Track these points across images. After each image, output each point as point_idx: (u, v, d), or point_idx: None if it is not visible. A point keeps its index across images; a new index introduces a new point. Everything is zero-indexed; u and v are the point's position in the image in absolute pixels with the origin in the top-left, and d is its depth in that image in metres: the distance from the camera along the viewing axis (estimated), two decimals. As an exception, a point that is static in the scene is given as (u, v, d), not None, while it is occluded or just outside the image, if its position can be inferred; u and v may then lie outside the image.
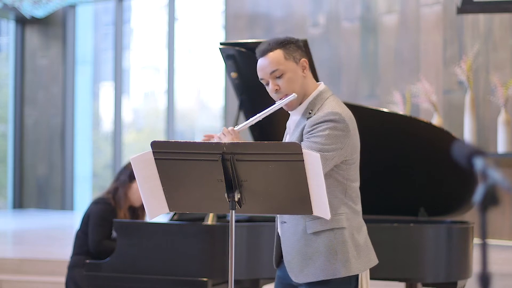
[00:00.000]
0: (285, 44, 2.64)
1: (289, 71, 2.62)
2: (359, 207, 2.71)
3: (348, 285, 2.63)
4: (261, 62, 2.64)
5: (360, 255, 2.64)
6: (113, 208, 4.40)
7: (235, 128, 2.71)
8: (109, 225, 4.34)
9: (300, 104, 2.66)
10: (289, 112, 2.73)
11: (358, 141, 2.67)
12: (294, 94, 2.61)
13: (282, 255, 2.72)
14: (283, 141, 2.79)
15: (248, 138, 4.24)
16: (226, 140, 2.67)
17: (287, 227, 2.67)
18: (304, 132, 2.60)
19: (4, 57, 11.91)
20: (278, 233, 2.77)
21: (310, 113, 2.62)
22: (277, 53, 2.63)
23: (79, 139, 11.11)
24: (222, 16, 10.09)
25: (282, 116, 2.87)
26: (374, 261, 2.72)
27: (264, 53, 2.64)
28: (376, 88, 8.33)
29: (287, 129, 2.81)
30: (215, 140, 2.71)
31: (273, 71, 2.62)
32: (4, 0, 10.08)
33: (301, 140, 2.61)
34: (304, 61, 2.66)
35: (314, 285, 2.62)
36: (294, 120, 2.70)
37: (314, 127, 2.57)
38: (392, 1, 8.29)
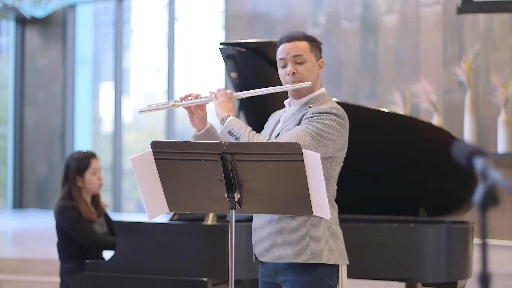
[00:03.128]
0: (311, 40, 2.78)
1: (310, 62, 2.74)
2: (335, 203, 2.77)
3: (331, 276, 2.67)
4: (287, 45, 2.74)
5: (337, 247, 2.68)
6: (77, 208, 4.29)
7: (234, 93, 2.78)
8: (86, 222, 4.27)
9: (304, 96, 2.75)
10: (286, 103, 2.81)
11: (347, 145, 2.75)
12: (309, 82, 2.71)
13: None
14: (270, 130, 2.83)
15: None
16: (219, 99, 2.74)
17: None
18: (304, 117, 2.68)
19: (5, 59, 11.91)
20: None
21: (310, 107, 2.72)
22: (304, 44, 2.75)
23: (79, 139, 11.10)
24: (222, 16, 10.09)
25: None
26: (346, 259, 2.74)
27: (292, 39, 2.74)
28: (376, 88, 8.33)
29: (272, 121, 2.86)
30: (207, 96, 2.78)
31: (297, 55, 2.72)
32: (4, 0, 10.07)
33: (298, 125, 2.68)
34: (321, 61, 2.80)
35: (300, 279, 2.64)
36: (291, 111, 2.77)
37: (316, 114, 2.65)
38: (392, 1, 8.29)
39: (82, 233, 4.23)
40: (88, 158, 4.36)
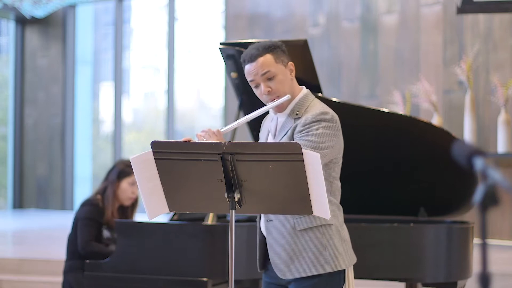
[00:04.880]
0: (273, 48, 2.69)
1: (280, 73, 2.67)
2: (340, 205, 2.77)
3: (337, 279, 2.67)
4: (252, 66, 2.67)
5: (346, 250, 2.70)
6: (100, 209, 4.36)
7: (221, 130, 2.74)
8: (97, 225, 4.33)
9: (287, 106, 2.71)
10: (271, 112, 2.78)
11: (343, 143, 2.73)
12: (288, 95, 2.67)
13: (268, 255, 2.75)
14: (262, 141, 2.83)
15: (248, 138, 4.24)
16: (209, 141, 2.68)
17: (274, 225, 2.70)
18: (296, 131, 2.65)
19: (5, 59, 11.91)
20: (261, 233, 2.79)
21: (297, 114, 2.68)
22: (268, 57, 2.67)
23: (79, 139, 11.10)
24: (222, 16, 10.09)
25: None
26: (355, 258, 2.76)
27: (254, 58, 2.67)
28: (376, 88, 8.33)
29: (264, 131, 2.85)
30: (197, 141, 2.72)
31: (265, 72, 2.65)
32: (4, 0, 10.07)
33: (291, 140, 2.66)
34: (291, 64, 2.73)
35: (303, 281, 2.65)
36: (280, 122, 2.74)
37: (307, 126, 2.62)
38: (392, 1, 8.29)
39: (83, 230, 4.29)
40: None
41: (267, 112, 2.83)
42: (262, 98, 2.71)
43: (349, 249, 2.71)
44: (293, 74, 2.73)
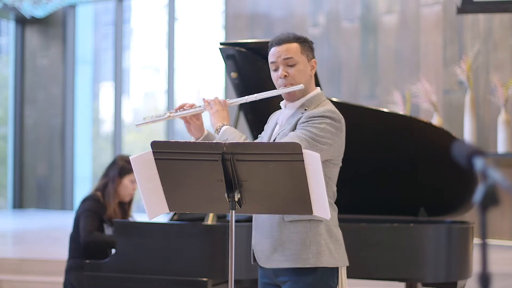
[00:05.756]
0: (302, 40, 2.75)
1: (302, 63, 2.72)
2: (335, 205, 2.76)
3: (332, 279, 2.66)
4: (277, 48, 2.72)
5: (337, 250, 2.67)
6: (102, 204, 4.36)
7: (227, 101, 2.79)
8: (99, 218, 4.33)
9: (298, 99, 2.73)
10: (281, 105, 2.80)
11: (344, 146, 2.73)
12: (302, 85, 2.70)
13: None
14: (269, 134, 2.83)
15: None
16: (213, 108, 2.76)
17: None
18: (299, 122, 2.67)
19: (5, 59, 11.90)
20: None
21: (306, 109, 2.70)
22: (295, 45, 2.72)
23: (79, 139, 11.11)
24: (222, 16, 10.09)
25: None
26: (346, 261, 2.73)
27: (282, 42, 2.72)
28: (376, 88, 8.33)
29: (271, 123, 2.86)
30: (202, 106, 2.79)
31: (288, 58, 2.70)
32: (4, 0, 10.07)
33: (295, 130, 2.66)
34: (314, 61, 2.78)
35: (298, 280, 2.64)
36: (287, 114, 2.76)
37: (311, 119, 2.64)
38: (392, 1, 8.29)
39: (85, 220, 4.29)
40: None
41: (273, 106, 2.83)
42: (277, 83, 2.73)
43: (340, 250, 2.69)
44: (313, 71, 2.76)
